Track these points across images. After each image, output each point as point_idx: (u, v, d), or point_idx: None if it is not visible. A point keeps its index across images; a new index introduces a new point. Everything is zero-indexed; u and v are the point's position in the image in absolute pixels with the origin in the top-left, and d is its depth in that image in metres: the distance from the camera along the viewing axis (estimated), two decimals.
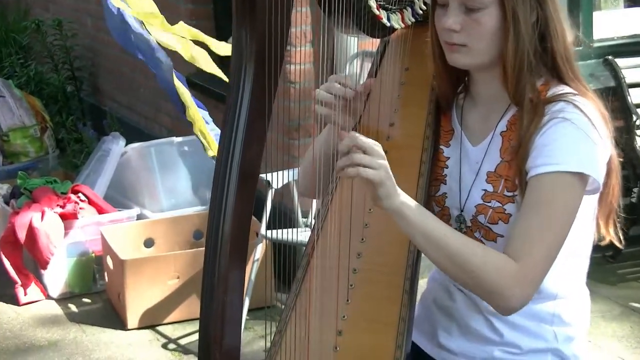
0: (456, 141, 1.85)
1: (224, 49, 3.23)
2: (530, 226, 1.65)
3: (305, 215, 3.88)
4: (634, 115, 4.27)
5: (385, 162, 1.60)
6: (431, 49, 1.79)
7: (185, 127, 5.33)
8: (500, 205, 1.74)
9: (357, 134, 1.60)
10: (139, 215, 4.50)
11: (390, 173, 1.61)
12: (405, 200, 1.63)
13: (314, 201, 3.78)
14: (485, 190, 1.77)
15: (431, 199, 1.85)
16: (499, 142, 1.77)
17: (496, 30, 1.69)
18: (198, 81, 5.16)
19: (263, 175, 3.43)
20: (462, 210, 1.80)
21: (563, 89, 1.72)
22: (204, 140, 3.46)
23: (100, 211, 4.40)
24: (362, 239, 1.78)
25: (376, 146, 1.60)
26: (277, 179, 3.34)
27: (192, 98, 3.42)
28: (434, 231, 1.64)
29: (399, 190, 1.62)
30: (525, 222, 1.66)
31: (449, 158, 1.86)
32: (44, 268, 4.21)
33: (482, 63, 1.74)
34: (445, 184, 1.84)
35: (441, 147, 1.87)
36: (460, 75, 1.84)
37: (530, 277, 1.65)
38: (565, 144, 1.66)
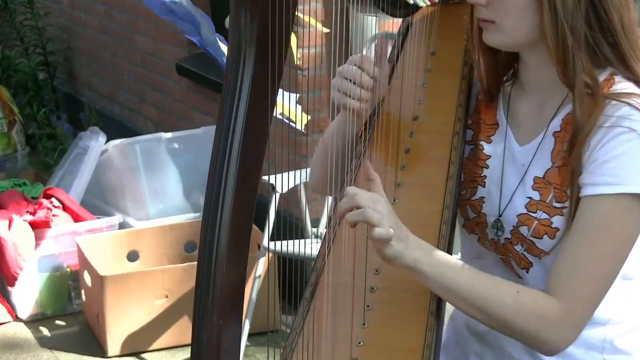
0: (500, 137, 1.85)
1: None
2: (577, 259, 1.66)
3: (315, 224, 3.88)
4: None
5: (391, 230, 1.60)
6: (469, 32, 1.82)
7: (174, 121, 5.35)
8: (548, 217, 1.74)
9: (359, 193, 1.60)
10: (122, 223, 4.51)
11: (396, 230, 1.61)
12: (419, 257, 1.64)
13: (326, 208, 3.78)
14: (530, 197, 1.76)
15: (466, 203, 1.85)
16: (550, 143, 1.76)
17: (526, 4, 1.69)
18: (189, 67, 5.18)
19: (266, 178, 3.44)
20: (500, 216, 1.81)
21: (628, 87, 1.71)
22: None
23: (77, 219, 4.41)
24: None
25: (379, 203, 1.60)
26: (283, 181, 3.34)
27: None
28: (456, 286, 1.66)
29: (412, 243, 1.64)
30: (573, 254, 1.66)
31: (489, 157, 1.85)
32: (12, 285, 4.22)
33: (520, 42, 1.75)
34: (484, 187, 1.84)
35: (481, 142, 1.87)
36: (510, 60, 1.84)
37: (575, 320, 1.67)
38: (630, 161, 1.65)
